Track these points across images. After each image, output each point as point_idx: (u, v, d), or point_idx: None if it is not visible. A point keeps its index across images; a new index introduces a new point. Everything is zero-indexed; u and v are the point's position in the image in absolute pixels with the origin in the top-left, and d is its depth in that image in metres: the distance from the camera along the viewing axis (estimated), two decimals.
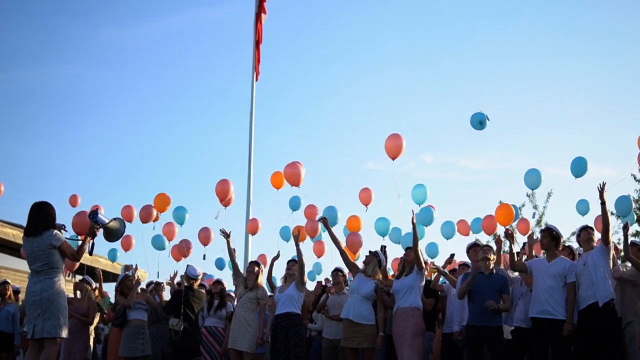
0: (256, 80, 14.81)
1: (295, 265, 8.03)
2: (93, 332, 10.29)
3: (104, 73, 34.39)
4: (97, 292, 10.04)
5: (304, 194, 11.99)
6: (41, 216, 6.02)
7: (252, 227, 12.97)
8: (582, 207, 11.00)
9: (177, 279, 9.43)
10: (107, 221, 6.28)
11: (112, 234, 6.49)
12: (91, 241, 6.23)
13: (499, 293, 6.93)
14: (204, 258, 12.24)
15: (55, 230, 6.01)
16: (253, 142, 14.08)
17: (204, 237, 12.38)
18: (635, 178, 19.70)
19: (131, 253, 12.87)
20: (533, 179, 11.11)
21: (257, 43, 14.80)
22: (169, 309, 8.73)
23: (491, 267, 7.07)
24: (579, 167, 10.33)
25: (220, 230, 8.62)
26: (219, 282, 9.49)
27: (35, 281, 5.90)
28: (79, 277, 10.14)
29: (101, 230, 6.35)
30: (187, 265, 9.02)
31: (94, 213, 6.22)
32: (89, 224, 6.23)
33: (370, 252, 7.76)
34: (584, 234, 6.98)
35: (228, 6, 34.88)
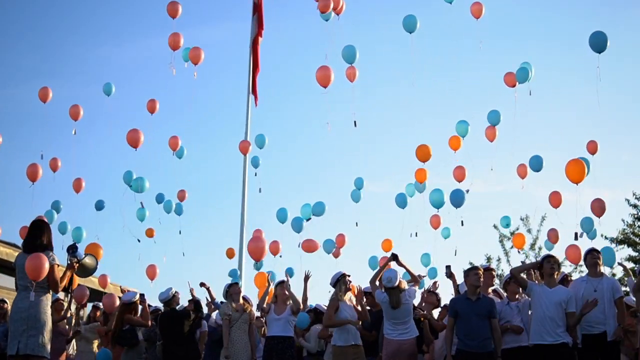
0: (255, 105, 14.96)
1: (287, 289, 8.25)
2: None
3: (99, 91, 34.40)
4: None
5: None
6: (40, 234, 6.10)
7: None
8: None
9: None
10: (83, 256, 6.46)
11: (86, 271, 6.63)
12: (71, 275, 6.38)
13: (487, 317, 6.93)
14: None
15: (52, 252, 6.06)
16: (248, 164, 14.16)
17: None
18: (629, 202, 19.81)
19: None
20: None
21: (255, 67, 14.91)
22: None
23: (478, 293, 7.06)
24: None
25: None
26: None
27: (23, 297, 5.94)
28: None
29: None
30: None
31: (74, 248, 6.36)
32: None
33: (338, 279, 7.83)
34: (590, 257, 7.07)
35: (225, 24, 35.11)
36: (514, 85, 12.07)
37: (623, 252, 19.23)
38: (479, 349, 6.77)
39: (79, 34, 34.28)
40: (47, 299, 6.03)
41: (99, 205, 13.43)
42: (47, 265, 5.92)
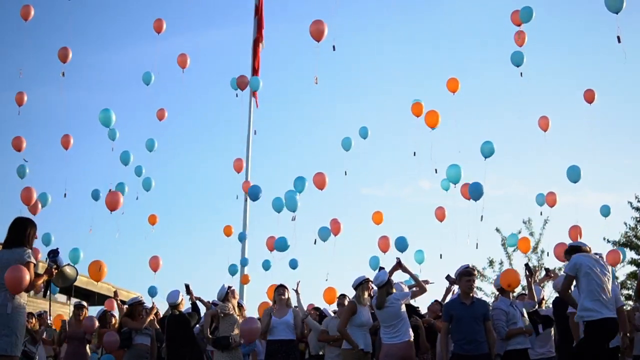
0: (257, 107, 15.06)
1: (287, 292, 8.34)
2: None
3: (98, 97, 34.51)
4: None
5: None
6: (18, 231, 5.95)
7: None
8: None
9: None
10: (64, 264, 6.30)
11: (65, 280, 6.41)
12: (46, 280, 6.20)
13: (482, 321, 6.85)
14: None
15: (29, 250, 5.90)
16: (250, 167, 14.18)
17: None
18: (631, 205, 19.77)
19: None
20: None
21: (255, 70, 14.97)
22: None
23: (471, 296, 7.01)
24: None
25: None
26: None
27: None
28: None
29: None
30: (168, 293, 9.09)
31: (55, 252, 6.20)
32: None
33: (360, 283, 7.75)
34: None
35: (228, 29, 35.16)
36: (519, 25, 12.06)
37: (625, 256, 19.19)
38: (475, 351, 6.72)
39: (78, 40, 34.36)
40: (22, 297, 5.84)
41: (95, 195, 13.46)
42: (27, 278, 5.75)
